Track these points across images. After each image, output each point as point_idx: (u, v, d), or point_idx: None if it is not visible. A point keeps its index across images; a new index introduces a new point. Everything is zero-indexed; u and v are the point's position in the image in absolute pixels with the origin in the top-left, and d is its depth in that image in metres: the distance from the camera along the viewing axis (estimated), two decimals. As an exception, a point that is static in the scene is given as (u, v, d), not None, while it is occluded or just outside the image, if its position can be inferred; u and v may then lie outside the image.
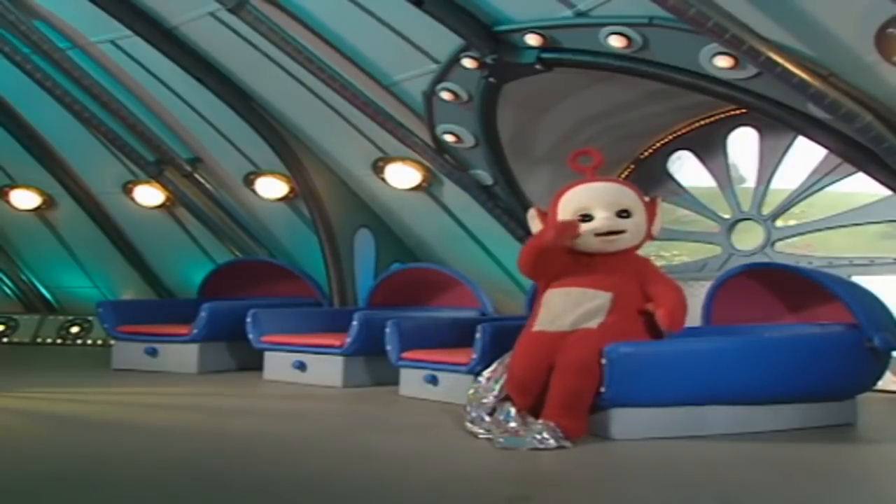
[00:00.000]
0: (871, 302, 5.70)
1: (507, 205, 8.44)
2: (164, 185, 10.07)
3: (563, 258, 5.46)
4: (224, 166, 9.79)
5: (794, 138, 7.72)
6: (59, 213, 11.11)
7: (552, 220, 5.55)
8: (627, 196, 5.55)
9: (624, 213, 5.45)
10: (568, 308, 5.30)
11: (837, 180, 7.67)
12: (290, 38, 7.69)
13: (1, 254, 11.70)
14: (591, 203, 5.46)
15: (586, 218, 5.43)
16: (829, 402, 5.48)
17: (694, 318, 6.73)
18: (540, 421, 4.92)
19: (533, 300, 5.84)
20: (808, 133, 6.80)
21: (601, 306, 5.28)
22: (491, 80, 7.19)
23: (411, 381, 6.74)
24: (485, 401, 5.28)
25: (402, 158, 8.83)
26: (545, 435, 4.78)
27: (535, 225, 5.68)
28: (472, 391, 5.43)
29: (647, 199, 5.63)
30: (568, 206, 5.51)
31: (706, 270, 8.30)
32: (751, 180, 8.33)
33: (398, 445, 4.94)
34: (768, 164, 8.07)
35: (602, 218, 5.42)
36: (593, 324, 5.23)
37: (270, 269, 9.54)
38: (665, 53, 6.47)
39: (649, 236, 5.62)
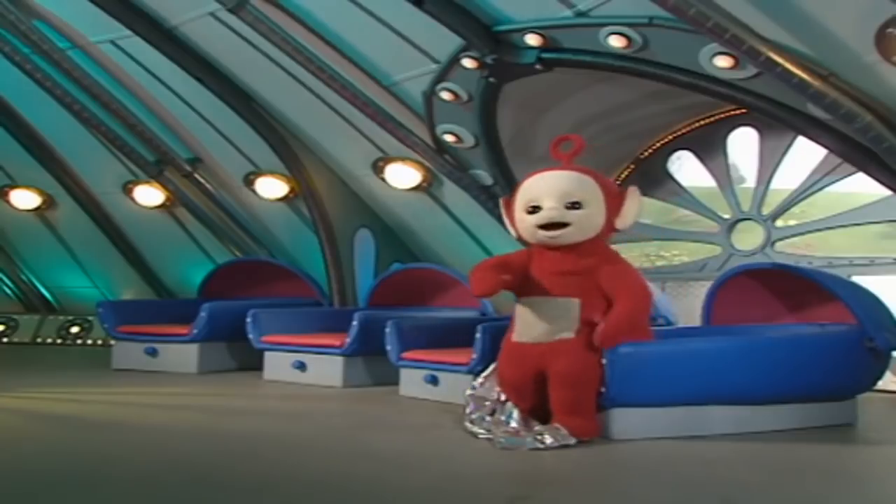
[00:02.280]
0: (871, 302, 5.70)
1: (507, 205, 8.44)
2: (164, 185, 10.08)
3: (519, 273, 5.25)
4: (224, 166, 9.79)
5: (794, 138, 7.73)
6: (59, 213, 11.11)
7: (511, 212, 5.40)
8: (581, 186, 5.18)
9: (575, 205, 5.12)
10: (540, 318, 5.13)
11: (837, 180, 7.68)
12: (290, 38, 7.70)
13: (1, 254, 11.69)
14: (541, 194, 5.20)
15: (536, 210, 5.19)
16: (829, 402, 5.48)
17: (694, 318, 6.75)
18: (545, 426, 4.93)
19: None
20: (808, 133, 6.81)
21: (572, 314, 5.08)
22: (491, 80, 7.19)
23: (411, 381, 6.73)
24: (487, 402, 5.27)
25: (402, 158, 8.84)
26: (546, 435, 4.78)
27: (504, 214, 5.53)
28: (469, 391, 5.42)
29: (618, 188, 5.38)
30: (522, 197, 5.31)
31: (706, 270, 8.31)
32: (751, 180, 8.34)
33: (398, 445, 4.94)
34: (768, 164, 8.07)
35: (546, 209, 5.14)
36: (570, 333, 5.04)
37: (270, 269, 9.54)
38: (665, 53, 6.47)
39: (612, 229, 5.27)
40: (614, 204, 5.22)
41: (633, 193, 5.28)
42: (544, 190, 5.19)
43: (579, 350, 4.99)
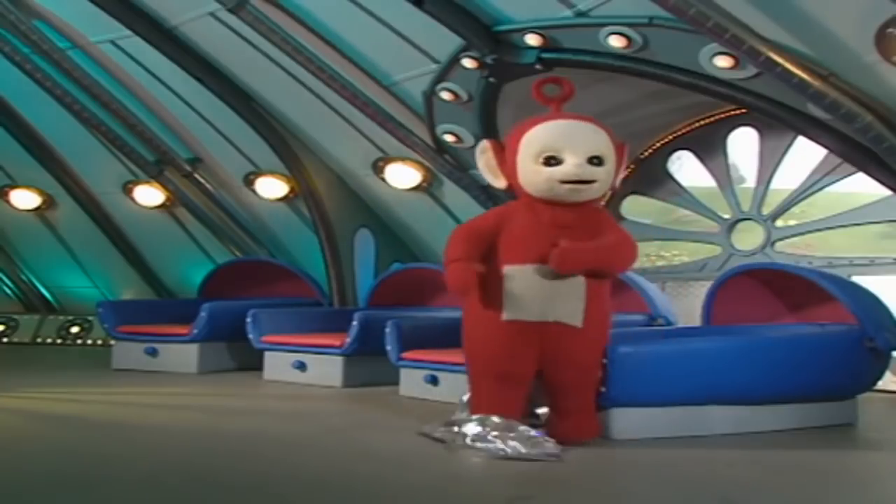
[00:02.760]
0: (872, 302, 5.70)
1: (507, 205, 8.44)
2: (164, 185, 10.08)
3: (507, 227, 4.79)
4: (224, 166, 9.79)
5: (794, 138, 7.73)
6: (59, 213, 11.11)
7: (510, 160, 4.84)
8: (601, 140, 4.81)
9: (596, 160, 4.73)
10: (539, 292, 4.67)
11: (837, 180, 7.68)
12: (290, 38, 7.70)
13: (1, 254, 11.69)
14: (561, 145, 4.72)
15: (552, 162, 4.70)
16: (829, 402, 5.49)
17: (694, 318, 6.75)
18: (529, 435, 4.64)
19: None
20: (808, 133, 6.82)
21: (578, 289, 4.69)
22: (491, 80, 7.19)
23: (411, 381, 6.73)
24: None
25: (402, 158, 8.84)
26: (527, 445, 4.54)
27: (485, 160, 4.97)
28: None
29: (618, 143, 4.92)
30: (531, 146, 4.76)
31: (706, 270, 8.31)
32: (751, 180, 8.34)
33: (398, 445, 4.94)
34: (768, 164, 8.07)
35: (572, 165, 4.68)
36: (576, 319, 4.68)
37: (270, 269, 9.54)
38: (665, 53, 6.48)
39: (612, 187, 5.02)
40: (619, 161, 4.90)
41: (626, 150, 4.98)
42: (566, 142, 4.73)
43: (586, 348, 4.78)
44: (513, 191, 4.98)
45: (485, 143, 4.99)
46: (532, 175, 4.77)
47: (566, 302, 4.69)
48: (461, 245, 4.82)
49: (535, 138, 4.78)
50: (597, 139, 4.80)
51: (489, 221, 4.96)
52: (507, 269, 4.71)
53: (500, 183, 4.95)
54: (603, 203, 5.17)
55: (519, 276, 4.69)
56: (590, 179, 4.72)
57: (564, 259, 4.62)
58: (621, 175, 4.99)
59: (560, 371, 4.80)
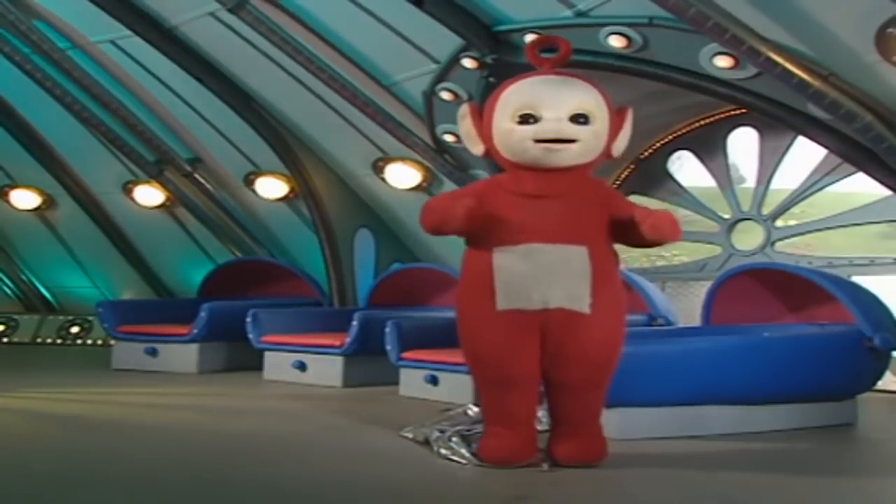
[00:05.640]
0: (872, 302, 5.70)
1: (507, 205, 8.43)
2: (164, 185, 10.09)
3: (488, 205, 4.21)
4: (224, 166, 9.80)
5: (794, 138, 7.73)
6: (59, 213, 11.12)
7: (487, 122, 4.31)
8: (589, 97, 4.23)
9: (581, 119, 4.16)
10: (535, 275, 4.10)
11: (837, 180, 7.69)
12: (290, 38, 7.70)
13: (1, 254, 11.70)
14: (539, 101, 4.18)
15: (530, 120, 4.17)
16: (829, 402, 5.49)
17: (694, 317, 6.75)
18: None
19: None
20: (808, 133, 6.81)
21: (581, 269, 4.12)
22: (491, 80, 7.18)
23: (411, 381, 6.74)
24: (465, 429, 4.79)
25: (402, 158, 8.84)
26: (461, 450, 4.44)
27: (465, 125, 4.40)
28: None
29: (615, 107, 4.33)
30: (507, 104, 4.24)
31: (706, 270, 8.31)
32: (751, 180, 8.35)
33: (398, 445, 4.94)
34: (768, 164, 8.08)
35: (549, 120, 4.14)
36: (582, 304, 4.09)
37: (270, 269, 9.55)
38: (665, 53, 6.48)
39: (607, 154, 4.33)
40: (615, 124, 4.30)
41: (630, 114, 4.37)
42: (545, 97, 4.20)
43: (598, 341, 4.15)
44: (490, 157, 4.47)
45: (465, 107, 4.43)
46: (505, 135, 4.25)
47: (568, 284, 4.10)
48: (445, 199, 4.38)
49: (511, 96, 4.28)
50: (583, 95, 4.24)
51: (475, 190, 4.49)
52: (497, 252, 4.15)
53: (478, 149, 4.41)
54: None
55: (510, 259, 4.13)
56: (568, 138, 4.15)
57: (658, 229, 4.11)
58: (621, 142, 4.34)
59: (566, 370, 4.18)
